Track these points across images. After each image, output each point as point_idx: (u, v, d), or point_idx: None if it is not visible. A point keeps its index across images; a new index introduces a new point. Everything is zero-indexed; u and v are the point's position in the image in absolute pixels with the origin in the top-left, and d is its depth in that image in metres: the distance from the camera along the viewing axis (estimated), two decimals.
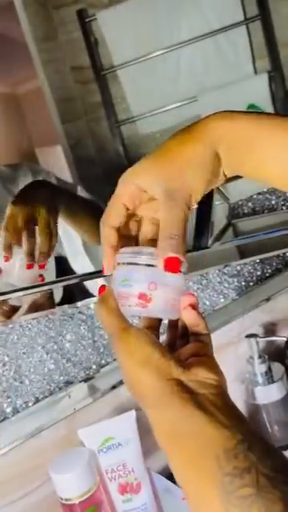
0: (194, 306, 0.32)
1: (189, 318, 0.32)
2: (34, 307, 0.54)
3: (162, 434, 0.28)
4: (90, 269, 0.60)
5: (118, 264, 0.32)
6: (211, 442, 0.26)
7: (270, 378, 0.64)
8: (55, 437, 0.56)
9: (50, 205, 0.57)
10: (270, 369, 0.64)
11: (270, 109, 0.76)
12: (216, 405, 0.27)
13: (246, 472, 0.24)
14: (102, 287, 0.32)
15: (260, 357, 0.64)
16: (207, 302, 0.72)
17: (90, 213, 0.63)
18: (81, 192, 0.65)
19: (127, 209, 0.33)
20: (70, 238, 0.60)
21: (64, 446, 0.55)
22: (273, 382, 0.64)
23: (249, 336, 0.64)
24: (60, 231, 0.58)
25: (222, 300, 0.73)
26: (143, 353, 0.29)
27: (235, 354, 0.68)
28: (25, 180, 0.61)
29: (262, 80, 0.76)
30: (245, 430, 0.26)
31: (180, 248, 0.30)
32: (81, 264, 0.61)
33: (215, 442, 0.26)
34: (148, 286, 0.30)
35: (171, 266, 0.30)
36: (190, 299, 0.32)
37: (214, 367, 0.30)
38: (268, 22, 0.74)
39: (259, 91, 0.76)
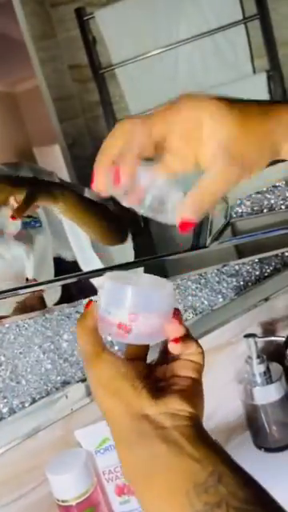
0: (179, 338, 0.30)
1: (176, 351, 0.30)
2: (24, 308, 0.54)
3: (129, 472, 0.27)
4: (98, 265, 0.60)
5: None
6: (181, 478, 0.25)
7: (268, 378, 0.64)
8: (52, 437, 0.55)
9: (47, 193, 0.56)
10: (268, 369, 0.64)
11: None
12: (187, 436, 0.26)
13: (216, 507, 0.23)
14: (89, 302, 0.31)
15: (258, 357, 0.64)
16: (205, 302, 0.72)
17: (97, 213, 0.62)
18: (87, 193, 0.64)
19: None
20: (77, 236, 0.60)
21: (61, 447, 0.55)
22: (271, 382, 0.63)
23: (247, 336, 0.64)
24: (67, 230, 0.58)
25: (221, 300, 0.73)
26: (113, 384, 0.28)
27: (234, 354, 0.68)
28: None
29: (260, 79, 0.75)
30: (217, 460, 0.25)
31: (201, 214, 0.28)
32: (89, 260, 0.60)
33: (185, 477, 0.25)
34: (128, 317, 0.29)
35: (185, 228, 0.28)
36: (175, 331, 0.30)
37: (191, 396, 0.28)
38: (267, 21, 0.74)
39: (258, 90, 0.76)
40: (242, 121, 0.27)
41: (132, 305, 0.29)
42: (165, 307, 0.30)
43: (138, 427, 0.27)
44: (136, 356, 0.32)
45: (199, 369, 0.31)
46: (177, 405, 0.27)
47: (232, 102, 0.28)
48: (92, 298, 0.32)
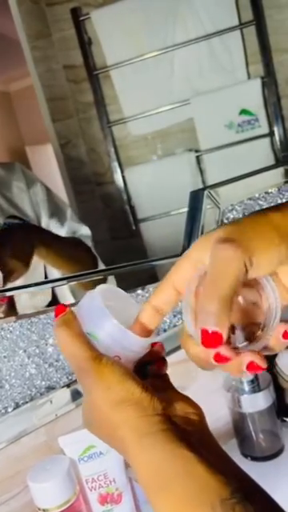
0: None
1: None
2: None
3: (148, 478, 0.25)
4: None
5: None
6: (206, 489, 0.23)
7: (256, 386, 0.63)
8: (35, 443, 0.54)
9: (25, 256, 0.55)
10: (256, 377, 0.64)
11: (262, 114, 0.76)
12: (205, 444, 0.25)
13: None
14: (61, 307, 0.29)
15: None
16: None
17: (70, 252, 0.62)
18: (70, 216, 0.64)
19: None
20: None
21: (44, 453, 0.53)
22: (259, 390, 0.63)
23: None
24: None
25: None
26: (123, 387, 0.26)
27: None
28: (19, 187, 0.60)
29: (255, 85, 0.75)
30: (238, 472, 0.24)
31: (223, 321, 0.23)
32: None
33: (210, 488, 0.23)
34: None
35: (210, 341, 0.23)
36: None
37: (189, 400, 0.28)
38: (262, 28, 0.74)
39: (252, 96, 0.76)
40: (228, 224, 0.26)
41: (116, 343, 0.28)
42: (144, 348, 0.29)
43: (157, 427, 0.25)
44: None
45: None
46: (185, 407, 0.27)
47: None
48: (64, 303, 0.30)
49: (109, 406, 0.26)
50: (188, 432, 0.25)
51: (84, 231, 0.65)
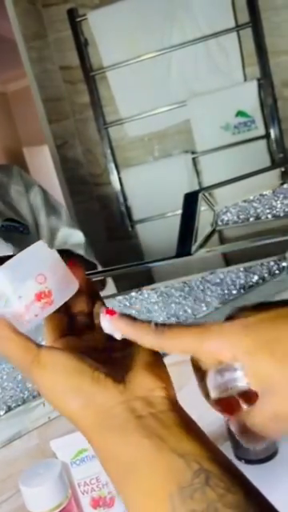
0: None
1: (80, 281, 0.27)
2: None
3: (109, 466, 0.24)
4: None
5: None
6: (163, 476, 0.22)
7: None
8: (28, 447, 0.54)
9: None
10: None
11: (258, 116, 0.76)
12: (167, 426, 0.23)
13: None
14: None
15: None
16: (189, 310, 0.71)
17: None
18: (66, 220, 0.64)
19: None
20: None
21: (37, 457, 0.53)
22: None
23: None
24: None
25: (205, 308, 0.72)
26: (70, 385, 0.24)
27: None
28: (17, 190, 0.60)
29: (251, 87, 0.75)
30: (203, 455, 0.22)
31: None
32: None
33: (168, 475, 0.22)
34: (37, 281, 0.25)
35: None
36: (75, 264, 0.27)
37: (156, 368, 0.25)
38: (259, 30, 0.74)
39: (248, 98, 0.76)
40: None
41: (33, 267, 0.25)
42: (57, 258, 0.27)
43: (114, 421, 0.23)
44: (62, 332, 0.28)
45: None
46: (147, 383, 0.24)
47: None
48: None
49: (61, 406, 0.24)
50: (148, 416, 0.23)
51: (77, 238, 0.64)
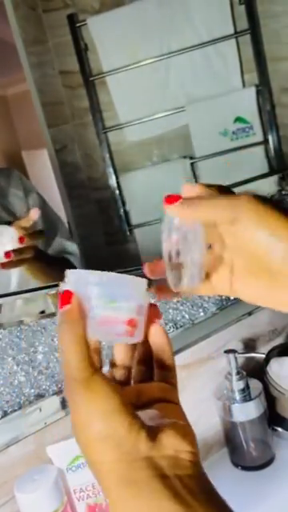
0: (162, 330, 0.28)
1: (157, 339, 0.28)
2: None
3: None
4: None
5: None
6: None
7: (247, 395, 0.63)
8: (24, 452, 0.53)
9: None
10: (247, 386, 0.63)
11: (256, 122, 0.76)
12: (193, 492, 0.22)
13: None
14: (67, 293, 0.25)
15: (238, 373, 0.63)
16: (187, 316, 0.71)
17: (57, 271, 0.61)
18: (61, 230, 0.64)
19: None
20: None
21: (32, 462, 0.53)
22: (250, 399, 0.63)
23: (227, 352, 0.63)
24: None
25: (202, 314, 0.72)
26: (107, 421, 0.23)
27: (214, 369, 0.67)
28: (16, 195, 0.60)
29: (249, 93, 0.76)
30: None
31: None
32: None
33: None
34: (137, 309, 0.25)
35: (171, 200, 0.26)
36: (159, 315, 0.28)
37: (185, 430, 0.25)
38: (257, 37, 0.74)
39: (246, 104, 0.76)
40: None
41: (138, 293, 0.25)
42: (147, 301, 0.27)
43: (140, 473, 0.23)
44: (126, 358, 0.28)
45: (177, 392, 0.28)
46: (176, 444, 0.24)
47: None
48: (63, 287, 0.25)
49: (89, 439, 0.24)
50: (175, 477, 0.23)
51: (71, 248, 0.65)
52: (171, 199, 0.27)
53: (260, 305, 0.28)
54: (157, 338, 0.28)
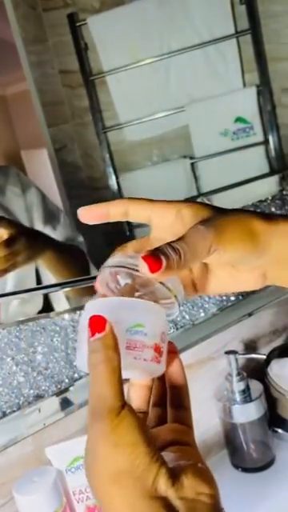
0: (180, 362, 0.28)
1: (175, 375, 0.27)
2: None
3: None
4: None
5: (115, 292, 0.26)
6: None
7: (248, 396, 0.63)
8: (23, 453, 0.53)
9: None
10: (248, 387, 0.63)
11: (257, 122, 0.76)
12: None
13: None
14: (99, 319, 0.23)
15: (238, 374, 0.63)
16: (187, 316, 0.70)
17: (70, 260, 0.61)
18: (64, 222, 0.63)
19: None
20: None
21: (31, 464, 0.53)
22: (251, 400, 0.62)
23: (228, 352, 0.63)
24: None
25: (202, 314, 0.72)
26: (130, 454, 0.22)
27: (214, 370, 0.67)
28: (14, 192, 0.60)
29: (250, 93, 0.76)
30: None
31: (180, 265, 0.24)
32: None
33: None
34: (161, 336, 0.24)
35: (151, 261, 0.23)
36: (177, 351, 0.27)
37: (204, 471, 0.24)
38: (258, 37, 0.74)
39: (247, 104, 0.76)
40: (219, 208, 0.28)
41: (162, 319, 0.25)
42: (167, 328, 0.26)
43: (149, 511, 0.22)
44: (142, 403, 0.28)
45: (193, 434, 0.27)
46: (195, 486, 0.23)
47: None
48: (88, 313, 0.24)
49: (108, 473, 0.23)
50: None
51: (77, 238, 0.64)
52: (154, 267, 0.23)
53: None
54: (175, 372, 0.28)
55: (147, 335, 0.24)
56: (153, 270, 0.23)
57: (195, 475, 0.23)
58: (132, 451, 0.23)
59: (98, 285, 0.28)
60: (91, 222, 0.30)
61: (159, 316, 0.25)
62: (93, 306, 0.25)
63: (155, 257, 0.23)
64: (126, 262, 0.26)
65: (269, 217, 0.27)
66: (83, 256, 0.63)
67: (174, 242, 0.25)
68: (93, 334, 0.24)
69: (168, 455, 0.25)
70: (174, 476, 0.23)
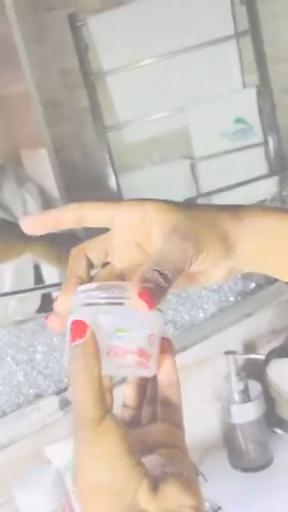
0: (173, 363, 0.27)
1: (166, 374, 0.26)
2: None
3: None
4: None
5: (91, 304, 0.24)
6: None
7: (246, 396, 0.63)
8: (22, 452, 0.53)
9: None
10: (247, 387, 0.63)
11: (256, 123, 0.76)
12: None
13: None
14: (80, 325, 0.23)
15: (237, 374, 0.63)
16: (186, 317, 0.71)
17: (68, 249, 0.61)
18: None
19: None
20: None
21: (31, 462, 0.53)
22: (249, 400, 0.63)
23: (227, 353, 0.63)
24: None
25: (202, 315, 0.72)
26: (109, 470, 0.22)
27: (213, 371, 0.67)
28: (10, 188, 0.60)
29: (250, 94, 0.76)
30: None
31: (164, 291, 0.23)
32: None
33: None
34: (149, 339, 0.24)
35: (148, 298, 0.22)
36: (171, 350, 0.26)
37: (189, 481, 0.23)
38: (258, 38, 0.74)
39: (247, 105, 0.76)
40: (186, 208, 0.27)
41: (149, 321, 0.24)
42: (162, 332, 0.25)
43: None
44: (137, 400, 0.27)
45: (183, 435, 0.26)
46: (178, 497, 0.22)
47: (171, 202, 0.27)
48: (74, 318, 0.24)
49: (89, 486, 0.22)
50: None
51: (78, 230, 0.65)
52: (151, 303, 0.22)
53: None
54: (166, 372, 0.27)
55: (131, 340, 0.24)
56: (151, 306, 0.22)
57: (179, 486, 0.23)
58: (113, 465, 0.22)
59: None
60: (39, 233, 0.27)
61: (146, 319, 0.24)
62: (78, 310, 0.25)
63: (151, 292, 0.22)
64: (110, 295, 0.24)
65: (235, 213, 0.26)
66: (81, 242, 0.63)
67: (159, 265, 0.23)
68: (73, 340, 0.23)
69: (155, 459, 0.24)
70: (157, 487, 0.22)
